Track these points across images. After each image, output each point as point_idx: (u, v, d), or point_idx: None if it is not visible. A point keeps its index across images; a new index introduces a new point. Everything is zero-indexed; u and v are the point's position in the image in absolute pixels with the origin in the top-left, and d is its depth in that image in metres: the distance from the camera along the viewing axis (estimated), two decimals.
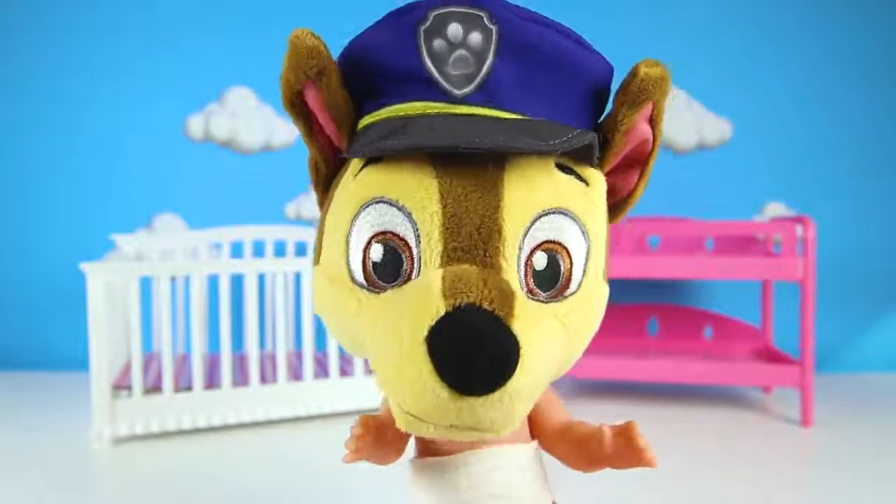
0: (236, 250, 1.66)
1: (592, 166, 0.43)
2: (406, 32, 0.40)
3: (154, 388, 1.19)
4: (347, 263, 0.40)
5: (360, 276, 0.40)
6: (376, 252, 0.39)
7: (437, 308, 0.34)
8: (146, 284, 1.57)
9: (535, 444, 0.47)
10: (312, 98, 0.42)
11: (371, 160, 0.41)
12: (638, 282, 1.67)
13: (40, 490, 0.94)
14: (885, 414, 1.32)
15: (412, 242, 0.39)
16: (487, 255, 0.38)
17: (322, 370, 1.32)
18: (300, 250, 1.67)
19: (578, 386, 1.52)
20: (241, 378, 1.27)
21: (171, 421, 1.16)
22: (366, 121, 0.43)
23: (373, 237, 0.39)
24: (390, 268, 0.39)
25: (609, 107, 0.44)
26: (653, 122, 0.43)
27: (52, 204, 1.73)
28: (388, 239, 0.39)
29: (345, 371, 1.32)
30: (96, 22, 1.72)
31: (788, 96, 1.72)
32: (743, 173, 1.73)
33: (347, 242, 0.40)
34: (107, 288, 1.11)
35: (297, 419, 1.27)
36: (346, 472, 1.01)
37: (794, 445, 1.14)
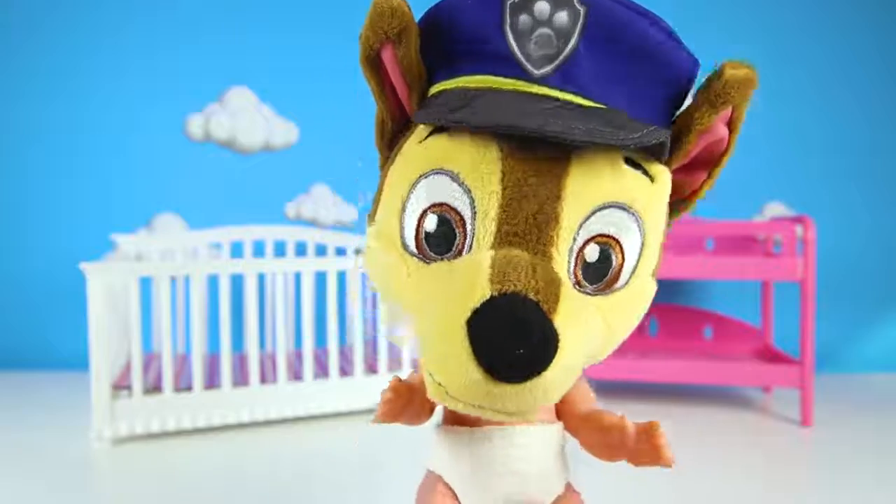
0: (236, 250, 1.66)
1: (661, 162, 0.42)
2: (492, 3, 0.39)
3: (154, 388, 1.19)
4: (401, 229, 0.41)
5: (412, 244, 0.40)
6: (430, 222, 0.39)
7: (483, 292, 0.34)
8: (146, 284, 1.57)
9: (559, 425, 0.48)
10: (389, 58, 0.42)
11: (437, 129, 0.40)
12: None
13: (40, 490, 0.94)
14: (885, 414, 1.32)
15: (467, 218, 0.39)
16: (541, 242, 0.38)
17: (322, 370, 1.32)
18: (300, 250, 1.67)
19: None
20: (241, 378, 1.27)
21: (171, 421, 1.16)
22: (439, 87, 0.42)
23: (429, 207, 0.40)
24: (443, 240, 0.39)
25: (687, 102, 0.43)
26: (731, 124, 0.43)
27: (52, 204, 1.73)
28: (444, 211, 0.39)
29: (345, 371, 1.32)
30: (96, 22, 1.72)
31: (788, 96, 1.72)
32: (743, 173, 1.73)
33: (403, 208, 0.41)
34: (107, 288, 1.11)
35: (297, 419, 1.27)
36: (345, 472, 1.01)
37: (794, 445, 1.14)
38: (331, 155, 1.73)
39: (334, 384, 1.27)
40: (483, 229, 0.38)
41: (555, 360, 0.34)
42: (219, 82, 1.73)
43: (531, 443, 0.45)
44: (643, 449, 0.42)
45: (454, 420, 0.47)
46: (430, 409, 0.47)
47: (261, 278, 1.59)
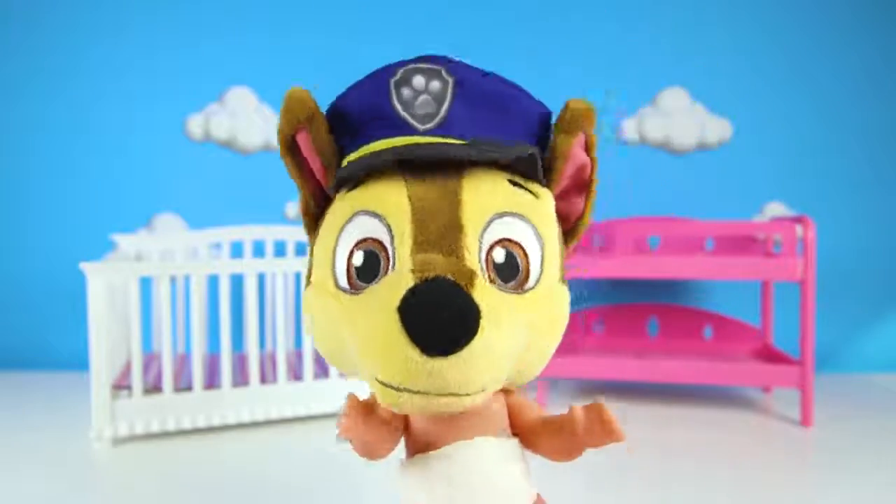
0: (236, 250, 1.66)
1: (540, 183, 0.49)
2: (381, 85, 0.49)
3: (154, 388, 1.19)
4: (334, 273, 0.46)
5: (343, 282, 0.45)
6: (358, 258, 0.45)
7: (408, 281, 0.40)
8: (146, 284, 1.58)
9: (516, 440, 0.50)
10: (304, 142, 0.50)
11: (353, 187, 0.47)
12: (638, 282, 1.67)
13: (41, 490, 0.94)
14: (885, 414, 1.32)
15: (387, 242, 0.44)
16: (452, 246, 0.43)
17: (322, 370, 1.32)
18: (300, 250, 1.67)
19: (579, 386, 1.52)
20: (241, 378, 1.27)
21: (171, 421, 1.16)
22: (347, 159, 0.49)
23: (354, 246, 0.45)
24: (370, 270, 0.44)
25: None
26: (587, 148, 0.51)
27: (52, 204, 1.73)
28: (368, 245, 0.45)
29: None
30: (96, 22, 1.72)
31: (788, 96, 1.72)
32: (743, 173, 1.73)
33: (334, 254, 0.46)
34: (107, 288, 1.11)
35: (297, 419, 1.27)
36: (345, 472, 1.01)
37: (794, 445, 1.14)
38: None
39: (334, 384, 1.27)
40: (402, 246, 0.43)
41: (480, 330, 0.39)
42: (219, 82, 1.74)
43: (491, 455, 0.47)
44: (594, 430, 0.45)
45: (417, 451, 0.49)
46: (393, 439, 0.49)
47: (261, 278, 1.60)
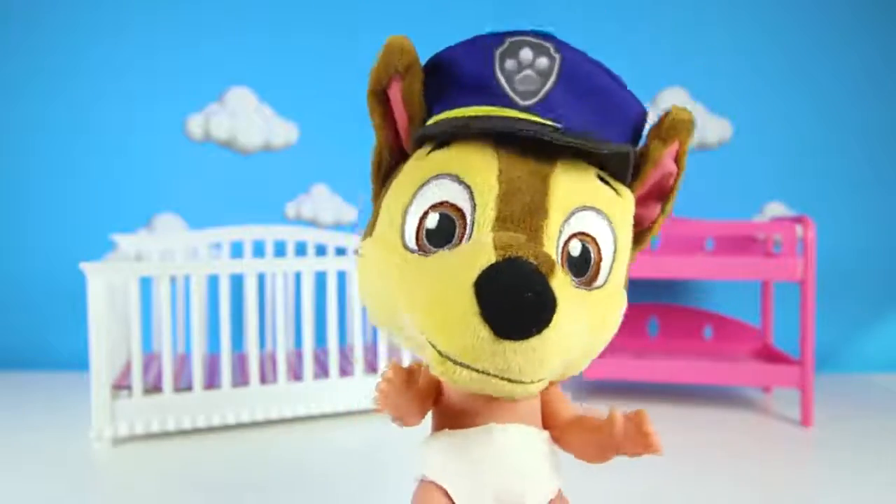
0: (236, 250, 1.66)
1: (625, 184, 0.48)
2: (485, 52, 0.47)
3: (154, 388, 1.19)
4: (402, 231, 0.45)
5: (412, 242, 0.44)
6: (432, 220, 0.44)
7: (489, 257, 0.38)
8: (146, 284, 1.58)
9: (547, 433, 0.50)
10: (395, 92, 0.48)
11: (438, 146, 0.46)
12: (638, 282, 1.67)
13: (40, 490, 0.94)
14: (885, 414, 1.32)
15: (467, 211, 0.43)
16: (533, 228, 0.42)
17: (322, 370, 1.32)
18: (300, 250, 1.67)
19: (578, 386, 1.52)
20: (241, 378, 1.27)
21: (171, 421, 1.16)
22: (437, 118, 0.48)
23: (430, 207, 0.44)
24: (443, 234, 0.43)
25: (641, 143, 0.51)
26: (678, 159, 0.50)
27: (52, 204, 1.73)
28: (445, 209, 0.44)
29: (345, 371, 1.32)
30: (96, 22, 1.72)
31: (788, 96, 1.72)
32: (743, 173, 1.73)
33: (405, 213, 0.45)
34: (107, 288, 1.11)
35: (297, 419, 1.27)
36: (345, 472, 1.01)
37: (794, 445, 1.14)
38: (331, 155, 1.73)
39: (334, 384, 1.27)
40: (483, 217, 0.42)
41: (553, 322, 0.38)
42: (219, 82, 1.74)
43: (523, 442, 0.47)
44: (632, 438, 0.44)
45: (446, 425, 0.48)
46: (425, 409, 0.49)
47: (261, 278, 1.59)
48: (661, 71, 1.72)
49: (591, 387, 1.51)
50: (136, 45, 1.73)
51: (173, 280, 1.55)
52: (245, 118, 1.73)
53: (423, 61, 0.49)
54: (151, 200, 1.73)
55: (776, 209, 1.72)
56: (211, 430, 1.21)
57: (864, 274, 1.70)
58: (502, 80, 0.46)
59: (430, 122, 0.48)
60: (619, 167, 0.47)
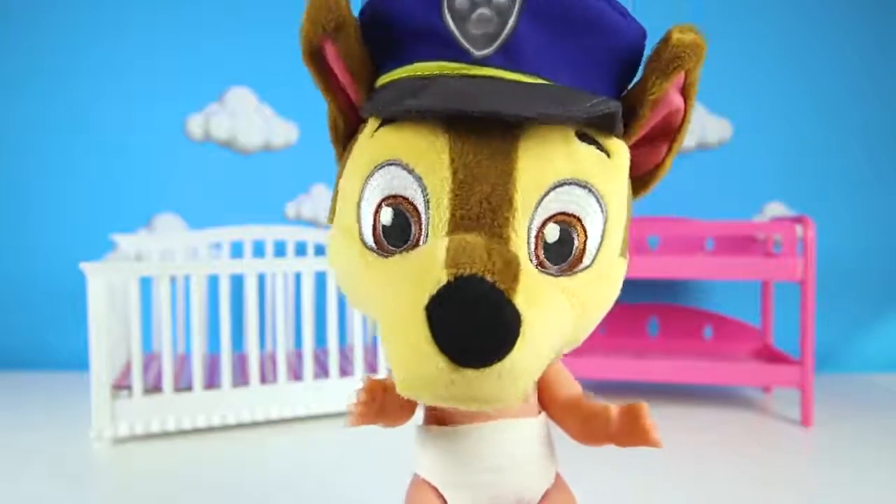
0: (236, 250, 1.66)
1: (616, 136, 0.42)
2: None
3: (154, 388, 1.19)
4: (359, 224, 0.40)
5: (370, 239, 0.40)
6: (386, 216, 0.39)
7: (439, 277, 0.34)
8: (146, 284, 1.57)
9: (542, 416, 0.47)
10: (331, 52, 0.42)
11: (387, 120, 0.40)
12: (638, 282, 1.67)
13: (40, 490, 0.94)
14: (885, 414, 1.32)
15: (421, 208, 0.38)
16: (496, 224, 0.37)
17: (322, 370, 1.32)
18: (300, 250, 1.67)
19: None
20: (241, 378, 1.27)
21: (171, 421, 1.16)
22: (384, 79, 0.42)
23: (383, 200, 0.39)
24: (399, 232, 0.39)
25: (639, 74, 0.42)
26: (685, 91, 0.42)
27: (52, 204, 1.73)
28: (398, 203, 0.39)
29: (345, 371, 1.32)
30: (96, 22, 1.72)
31: (788, 96, 1.72)
32: (743, 173, 1.73)
33: (359, 203, 0.40)
34: (107, 288, 1.11)
35: (297, 419, 1.27)
36: (345, 472, 1.01)
37: (794, 445, 1.14)
38: (331, 155, 1.72)
39: (334, 384, 1.27)
40: (437, 217, 0.37)
41: (520, 341, 0.33)
42: (219, 82, 1.73)
43: (515, 437, 0.45)
44: (628, 432, 0.42)
45: (436, 419, 0.46)
46: (411, 409, 0.46)
47: (261, 278, 1.59)
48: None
49: (591, 387, 1.51)
50: (136, 45, 1.73)
51: (173, 280, 1.55)
52: (245, 118, 1.73)
53: (358, 5, 0.43)
54: (151, 200, 1.73)
55: (776, 209, 1.72)
56: (211, 430, 1.21)
57: (864, 274, 1.70)
58: (451, 26, 0.39)
59: (380, 81, 0.42)
60: (606, 120, 0.40)
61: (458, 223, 0.37)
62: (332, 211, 0.45)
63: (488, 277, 0.34)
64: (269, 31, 1.74)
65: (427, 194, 0.38)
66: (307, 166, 1.74)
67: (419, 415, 0.48)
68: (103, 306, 1.10)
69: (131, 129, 1.73)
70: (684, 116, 0.43)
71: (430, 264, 0.34)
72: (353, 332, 1.31)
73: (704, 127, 1.72)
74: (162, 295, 1.16)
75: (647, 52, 0.43)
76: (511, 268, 0.35)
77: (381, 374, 0.48)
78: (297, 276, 1.60)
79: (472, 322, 0.33)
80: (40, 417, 1.29)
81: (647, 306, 1.61)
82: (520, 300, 0.34)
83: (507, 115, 0.35)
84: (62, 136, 1.73)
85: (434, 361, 0.33)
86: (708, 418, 1.29)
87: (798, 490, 0.95)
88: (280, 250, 1.68)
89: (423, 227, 0.38)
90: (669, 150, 0.45)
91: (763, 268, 1.27)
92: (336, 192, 0.45)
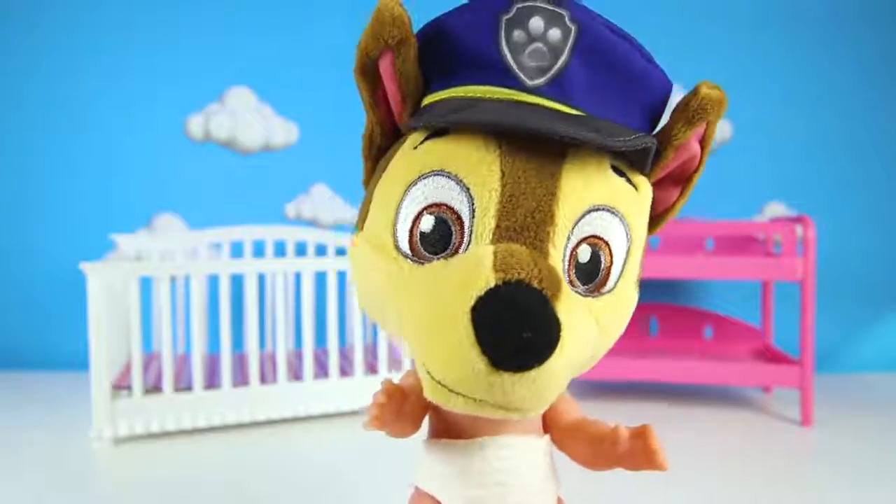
0: (236, 250, 1.66)
1: (643, 174, 0.44)
2: (488, 19, 0.41)
3: (154, 388, 1.19)
4: (394, 231, 0.41)
5: (405, 245, 0.40)
6: (427, 222, 0.39)
7: (487, 280, 0.34)
8: (146, 284, 1.57)
9: (547, 438, 0.47)
10: (386, 66, 0.43)
11: (433, 134, 0.41)
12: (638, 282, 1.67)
13: (40, 490, 0.94)
14: (885, 414, 1.32)
15: (465, 217, 0.39)
16: (538, 238, 0.38)
17: (322, 370, 1.32)
18: (300, 250, 1.67)
19: (579, 386, 1.52)
20: (241, 378, 1.27)
21: (171, 421, 1.16)
22: (432, 98, 0.43)
23: (425, 208, 0.40)
24: (439, 240, 0.39)
25: (663, 121, 0.45)
26: (703, 142, 0.45)
27: (52, 204, 1.73)
28: (441, 211, 0.39)
29: (345, 371, 1.32)
30: (96, 22, 1.72)
31: (788, 96, 1.72)
32: (743, 173, 1.73)
33: (398, 210, 0.40)
34: (107, 288, 1.11)
35: (297, 419, 1.27)
36: (345, 472, 1.01)
37: (794, 445, 1.14)
38: (331, 155, 1.73)
39: (334, 384, 1.27)
40: (482, 226, 0.38)
41: (558, 350, 0.34)
42: (219, 82, 1.73)
43: (522, 454, 0.45)
44: (636, 455, 0.42)
45: (442, 433, 0.46)
46: (419, 420, 0.46)
47: (261, 278, 1.59)
48: None
49: (592, 387, 1.51)
50: (136, 45, 1.73)
51: (173, 280, 1.55)
52: (245, 118, 1.73)
53: (418, 26, 0.44)
54: (151, 200, 1.73)
55: (776, 209, 1.72)
56: (211, 430, 1.21)
57: (864, 274, 1.70)
58: (508, 56, 0.41)
59: (427, 100, 0.43)
60: (638, 157, 0.42)
61: (503, 234, 0.38)
62: (360, 220, 0.45)
63: (535, 284, 0.35)
64: (269, 31, 1.74)
65: (474, 204, 0.39)
66: (307, 166, 1.74)
67: (423, 430, 0.48)
68: (103, 306, 1.10)
69: (131, 129, 1.73)
70: (699, 164, 0.46)
71: (478, 268, 0.35)
72: (353, 332, 1.31)
73: None
74: (162, 295, 1.16)
75: (671, 101, 0.46)
76: (555, 277, 0.36)
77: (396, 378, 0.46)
78: (297, 276, 1.60)
79: (519, 325, 0.34)
80: (40, 417, 1.29)
81: (647, 306, 1.61)
82: (561, 310, 0.35)
83: (563, 136, 0.37)
84: (62, 136, 1.73)
85: (474, 363, 0.34)
86: (708, 418, 1.29)
87: (798, 490, 0.95)
88: (280, 250, 1.68)
89: (465, 235, 0.39)
90: (682, 193, 0.48)
91: (763, 268, 1.27)
92: (365, 206, 0.45)
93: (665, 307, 1.60)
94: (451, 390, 0.36)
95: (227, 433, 1.20)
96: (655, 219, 0.49)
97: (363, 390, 1.28)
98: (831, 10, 1.71)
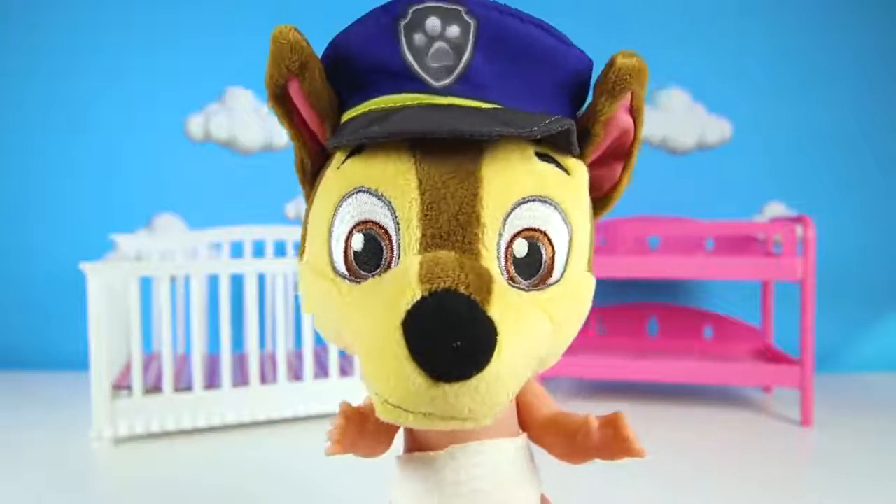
0: (236, 250, 1.66)
1: (573, 155, 0.43)
2: (387, 27, 0.41)
3: (154, 388, 1.19)
4: (330, 254, 0.41)
5: (341, 266, 0.40)
6: (357, 241, 0.39)
7: (413, 293, 0.34)
8: (146, 284, 1.57)
9: (523, 437, 0.47)
10: (296, 92, 0.43)
11: (353, 152, 0.41)
12: (638, 282, 1.67)
13: (40, 490, 0.94)
14: (885, 414, 1.32)
15: (392, 230, 0.39)
16: (466, 241, 0.38)
17: (322, 370, 1.32)
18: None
19: (578, 386, 1.52)
20: (241, 378, 1.27)
21: (171, 421, 1.16)
22: (349, 114, 0.43)
23: (354, 226, 0.40)
24: (371, 257, 0.39)
25: (589, 98, 0.44)
26: (633, 112, 0.44)
27: (52, 204, 1.73)
28: (369, 228, 0.39)
29: (345, 371, 1.32)
30: (97, 22, 1.72)
31: (788, 96, 1.72)
32: (743, 173, 1.73)
33: (330, 233, 0.41)
34: (107, 288, 1.11)
35: (297, 419, 1.27)
36: (345, 471, 1.01)
37: (794, 445, 1.14)
38: None
39: (334, 384, 1.27)
40: (408, 237, 0.38)
41: (496, 354, 0.34)
42: (219, 82, 1.74)
43: (496, 459, 0.44)
44: (610, 445, 0.41)
45: (415, 447, 0.45)
46: (388, 439, 0.46)
47: (261, 278, 1.59)
48: (661, 71, 1.72)
49: (592, 387, 1.51)
50: (136, 45, 1.73)
51: (173, 280, 1.55)
52: (245, 118, 1.73)
53: (322, 48, 0.44)
54: (151, 200, 1.74)
55: (776, 209, 1.72)
56: (211, 430, 1.21)
57: (864, 274, 1.70)
58: (411, 61, 0.41)
59: (346, 116, 0.43)
60: (562, 140, 0.41)
61: (430, 242, 0.38)
62: (302, 249, 0.45)
63: (462, 290, 0.34)
64: (268, 31, 1.73)
65: (397, 216, 0.39)
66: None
67: (398, 446, 0.48)
68: (103, 306, 1.10)
69: (131, 129, 1.73)
70: (634, 137, 0.45)
71: (404, 281, 0.35)
72: None
73: (704, 127, 1.73)
74: (162, 295, 1.16)
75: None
76: (484, 280, 0.35)
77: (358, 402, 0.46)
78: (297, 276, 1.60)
79: (449, 334, 0.33)
80: (40, 417, 1.29)
81: (647, 306, 1.61)
82: (494, 311, 0.34)
83: (468, 134, 0.36)
84: (62, 136, 1.73)
85: (413, 378, 0.33)
86: (708, 418, 1.29)
87: (798, 490, 0.95)
88: (280, 250, 1.68)
89: (394, 249, 0.39)
90: (624, 169, 0.47)
91: (763, 268, 1.27)
92: (305, 229, 0.45)
93: (665, 307, 1.60)
94: (399, 408, 0.35)
95: (227, 433, 1.20)
96: (603, 199, 0.48)
97: (363, 390, 1.27)
98: (831, 11, 1.71)
